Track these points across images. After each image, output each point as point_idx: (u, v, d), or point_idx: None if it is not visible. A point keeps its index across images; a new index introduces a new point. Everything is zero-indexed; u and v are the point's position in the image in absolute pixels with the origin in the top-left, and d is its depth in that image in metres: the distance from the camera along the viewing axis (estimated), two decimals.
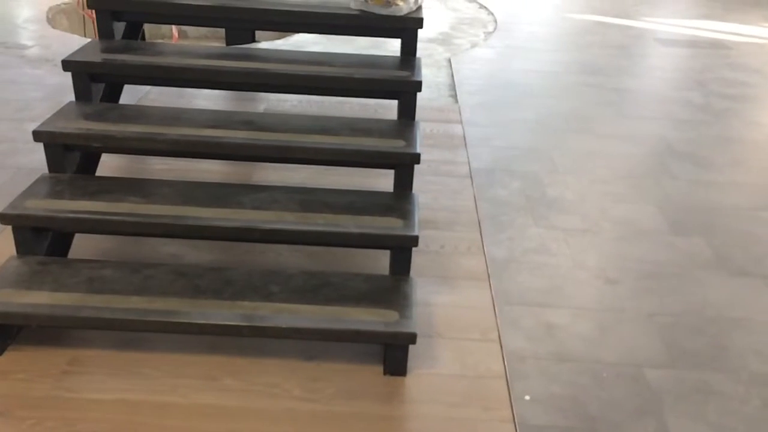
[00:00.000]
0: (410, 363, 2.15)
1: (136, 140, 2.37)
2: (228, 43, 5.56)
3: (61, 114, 2.49)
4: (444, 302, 2.44)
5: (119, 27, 2.88)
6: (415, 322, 2.05)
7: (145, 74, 2.58)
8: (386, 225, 2.24)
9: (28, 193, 2.30)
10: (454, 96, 4.40)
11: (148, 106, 2.60)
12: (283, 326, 2.00)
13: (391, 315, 2.07)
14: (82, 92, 2.60)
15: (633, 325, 2.39)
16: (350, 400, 2.00)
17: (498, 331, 2.32)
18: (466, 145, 3.69)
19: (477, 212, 3.03)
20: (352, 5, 2.77)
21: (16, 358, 2.08)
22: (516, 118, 4.08)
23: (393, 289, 2.19)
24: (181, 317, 2.00)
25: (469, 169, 3.42)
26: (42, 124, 2.39)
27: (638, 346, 2.29)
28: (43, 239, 2.29)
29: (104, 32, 2.78)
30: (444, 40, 5.67)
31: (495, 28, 6.07)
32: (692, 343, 2.32)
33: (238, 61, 2.63)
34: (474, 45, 5.55)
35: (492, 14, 6.56)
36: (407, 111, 2.62)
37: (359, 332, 2.01)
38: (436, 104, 4.22)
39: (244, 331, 2.00)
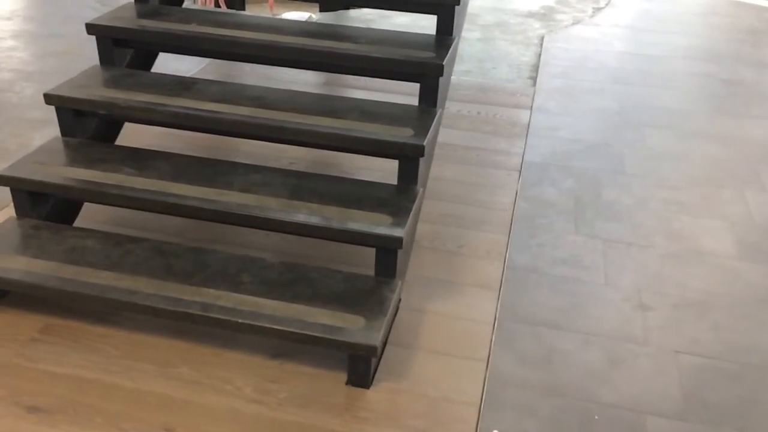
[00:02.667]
0: (379, 374, 1.97)
1: (138, 110, 2.31)
2: (321, 10, 5.48)
3: (80, 77, 2.48)
4: (440, 310, 2.23)
5: None
6: (382, 333, 1.87)
7: (163, 41, 2.52)
8: (372, 221, 2.05)
9: (33, 155, 2.32)
10: (534, 78, 4.06)
11: (166, 75, 2.54)
12: (238, 320, 1.88)
13: (357, 322, 1.90)
14: (105, 57, 2.59)
15: (651, 361, 2.06)
16: (300, 408, 1.86)
17: (489, 350, 2.08)
18: (527, 134, 3.38)
19: (513, 211, 2.76)
20: None
21: None
22: (595, 107, 3.70)
23: (370, 292, 2.01)
24: (138, 298, 1.94)
25: (522, 161, 3.12)
26: (55, 88, 2.39)
27: (649, 388, 1.98)
28: (43, 203, 2.30)
29: None
30: (545, 15, 5.26)
31: (607, 4, 5.56)
32: (717, 393, 1.97)
33: (256, 33, 2.50)
34: (576, 22, 5.11)
35: None
36: (428, 96, 2.39)
37: (316, 337, 1.85)
38: (510, 86, 3.91)
39: (197, 320, 1.91)
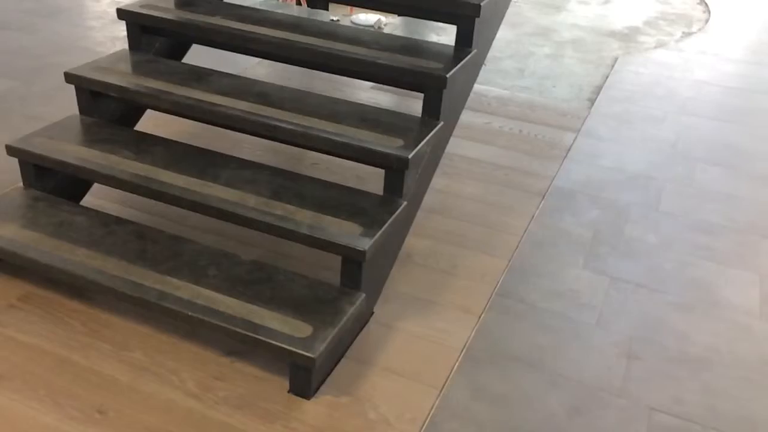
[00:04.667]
0: (326, 386, 1.92)
1: (144, 95, 2.37)
2: (399, 14, 5.45)
3: (104, 59, 2.57)
4: (411, 329, 2.15)
5: None
6: (325, 345, 1.81)
7: (182, 31, 2.56)
8: (341, 230, 2.00)
9: (45, 130, 2.42)
10: (593, 100, 3.86)
11: (185, 64, 2.59)
12: (188, 313, 1.89)
13: (305, 330, 1.86)
14: (133, 42, 2.67)
15: (620, 415, 1.90)
16: (235, 409, 1.83)
17: (448, 377, 1.98)
18: (565, 158, 3.21)
19: (522, 237, 2.62)
20: None
21: None
22: (649, 136, 3.47)
23: (329, 301, 1.96)
24: (103, 278, 1.98)
25: (549, 186, 2.97)
26: (76, 68, 2.49)
27: None
28: (49, 177, 2.40)
29: None
30: (627, 35, 5.00)
31: (700, 29, 5.23)
32: None
33: (273, 30, 2.50)
34: (660, 45, 4.83)
35: (708, 12, 5.66)
36: (431, 108, 2.31)
37: (259, 340, 1.83)
38: (564, 106, 3.74)
39: (152, 307, 1.92)
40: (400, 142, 2.17)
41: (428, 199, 2.81)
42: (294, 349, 1.79)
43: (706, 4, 5.88)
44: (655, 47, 4.79)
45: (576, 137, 3.41)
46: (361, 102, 2.41)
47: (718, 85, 4.17)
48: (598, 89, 4.02)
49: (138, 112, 2.69)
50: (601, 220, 2.76)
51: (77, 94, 2.51)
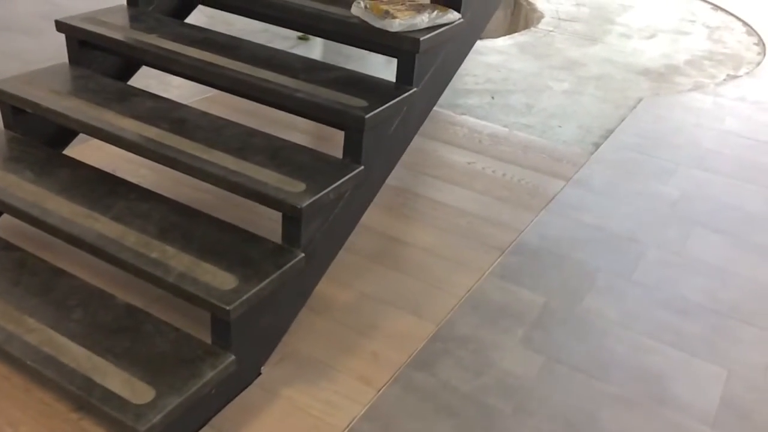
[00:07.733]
0: None
1: (55, 114, 2.23)
2: None
3: (36, 73, 2.46)
4: (294, 398, 1.91)
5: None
6: (163, 415, 1.60)
7: (114, 48, 2.42)
8: (214, 282, 1.78)
9: None
10: (598, 145, 3.52)
11: (117, 83, 2.44)
12: (28, 362, 1.71)
13: (147, 395, 1.65)
14: (72, 56, 2.54)
15: None
16: None
17: None
18: (544, 209, 2.90)
19: (462, 299, 2.34)
20: (353, 10, 2.26)
21: None
22: (649, 191, 3.11)
23: (189, 362, 1.75)
24: None
25: (514, 240, 2.67)
26: (1, 80, 2.38)
27: None
28: None
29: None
30: (662, 75, 4.61)
31: (748, 72, 4.77)
32: None
33: (204, 52, 2.31)
34: (696, 88, 4.42)
35: (763, 54, 5.18)
36: (351, 150, 2.07)
37: (92, 404, 1.63)
38: (562, 150, 3.41)
39: None
40: (302, 186, 1.94)
41: (373, 244, 2.57)
42: (124, 420, 1.58)
43: (763, 45, 5.39)
44: (690, 90, 4.38)
45: (564, 186, 3.08)
46: (278, 137, 2.18)
47: (747, 138, 3.74)
48: (609, 133, 3.67)
49: (68, 133, 2.55)
50: (559, 285, 2.44)
51: (1, 108, 2.40)
